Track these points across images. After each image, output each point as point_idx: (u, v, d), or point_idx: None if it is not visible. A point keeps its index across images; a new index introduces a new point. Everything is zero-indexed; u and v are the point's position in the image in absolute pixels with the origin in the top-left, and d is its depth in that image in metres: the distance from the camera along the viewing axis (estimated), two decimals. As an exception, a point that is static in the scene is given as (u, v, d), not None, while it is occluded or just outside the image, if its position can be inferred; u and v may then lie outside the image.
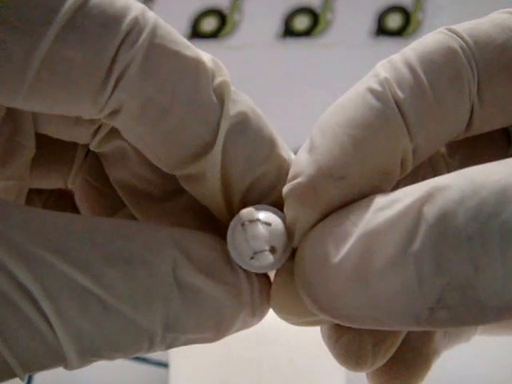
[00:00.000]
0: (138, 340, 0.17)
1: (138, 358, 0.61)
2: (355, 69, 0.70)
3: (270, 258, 0.19)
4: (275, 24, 0.76)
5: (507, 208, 0.14)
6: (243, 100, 0.19)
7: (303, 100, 0.73)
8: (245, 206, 0.20)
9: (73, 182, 0.24)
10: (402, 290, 0.16)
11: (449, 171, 0.22)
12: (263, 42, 0.76)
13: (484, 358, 0.62)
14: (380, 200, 0.17)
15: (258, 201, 0.20)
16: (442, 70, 0.18)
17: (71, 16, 0.16)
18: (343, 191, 0.18)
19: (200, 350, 0.19)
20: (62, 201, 0.25)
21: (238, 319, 0.19)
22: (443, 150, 0.22)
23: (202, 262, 0.18)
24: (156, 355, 0.62)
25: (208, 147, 0.19)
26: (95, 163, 0.23)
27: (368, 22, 0.76)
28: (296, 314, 0.20)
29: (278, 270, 0.20)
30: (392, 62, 0.19)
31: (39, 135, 0.21)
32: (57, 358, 0.17)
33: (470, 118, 0.19)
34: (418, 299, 0.15)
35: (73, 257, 0.17)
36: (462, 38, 0.18)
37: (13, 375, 0.17)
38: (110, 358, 0.18)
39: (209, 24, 0.77)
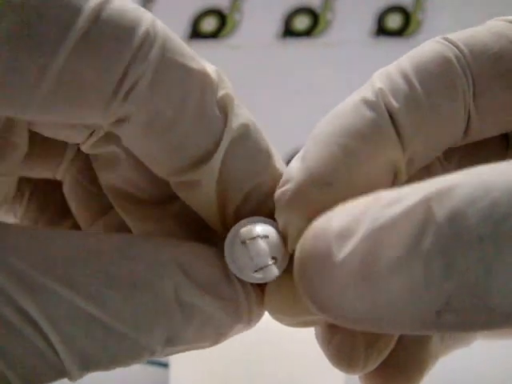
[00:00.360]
0: (139, 356, 0.18)
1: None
2: (355, 69, 0.70)
3: (275, 270, 0.19)
4: (275, 24, 0.76)
5: None
6: (244, 112, 0.19)
7: (303, 100, 0.72)
8: (238, 217, 0.20)
9: (61, 175, 0.24)
10: (409, 292, 0.15)
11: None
12: (263, 42, 0.76)
13: (484, 358, 0.62)
14: (387, 196, 0.16)
15: (251, 211, 0.20)
16: (436, 79, 0.18)
17: (85, 32, 0.16)
18: (329, 197, 0.18)
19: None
20: (50, 186, 0.25)
21: (235, 328, 0.19)
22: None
23: (203, 279, 0.19)
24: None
25: (208, 156, 0.19)
26: (86, 162, 0.23)
27: (368, 21, 0.76)
28: (290, 314, 0.20)
29: None
30: (387, 71, 0.19)
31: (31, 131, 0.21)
32: (60, 375, 0.17)
33: (468, 125, 0.19)
34: (425, 301, 0.15)
35: (76, 283, 0.17)
36: (458, 47, 0.19)
37: None
38: (108, 369, 0.18)
39: (209, 24, 0.77)
